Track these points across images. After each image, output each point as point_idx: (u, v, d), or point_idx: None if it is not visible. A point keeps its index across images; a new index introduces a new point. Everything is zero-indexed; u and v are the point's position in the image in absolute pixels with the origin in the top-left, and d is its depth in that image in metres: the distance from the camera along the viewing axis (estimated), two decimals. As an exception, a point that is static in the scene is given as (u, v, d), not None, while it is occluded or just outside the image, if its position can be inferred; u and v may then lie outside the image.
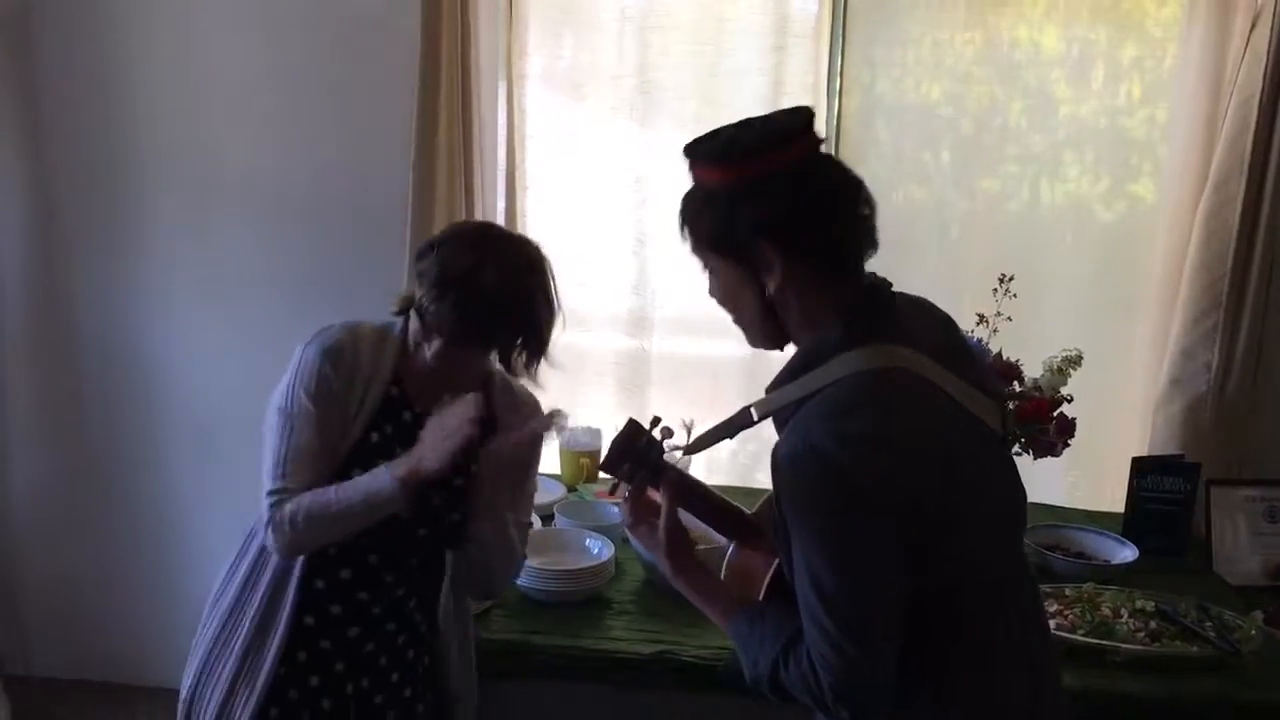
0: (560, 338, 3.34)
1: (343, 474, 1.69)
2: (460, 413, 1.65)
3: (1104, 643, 2.11)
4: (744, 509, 1.69)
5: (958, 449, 1.39)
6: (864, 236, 1.42)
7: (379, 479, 1.65)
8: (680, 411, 3.07)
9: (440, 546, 1.87)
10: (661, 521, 1.53)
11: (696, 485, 1.68)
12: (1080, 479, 3.10)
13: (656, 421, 1.56)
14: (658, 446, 1.54)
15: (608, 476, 1.57)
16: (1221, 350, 2.81)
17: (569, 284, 3.16)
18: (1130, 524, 2.71)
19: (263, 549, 1.77)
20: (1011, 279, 2.54)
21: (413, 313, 1.74)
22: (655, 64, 3.07)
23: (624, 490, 1.59)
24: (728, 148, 1.39)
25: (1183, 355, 2.86)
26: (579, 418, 3.11)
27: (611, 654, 2.12)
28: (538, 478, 1.97)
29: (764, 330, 1.47)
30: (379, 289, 3.04)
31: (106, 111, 3.21)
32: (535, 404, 1.91)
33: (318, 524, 1.65)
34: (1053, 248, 3.06)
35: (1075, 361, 2.58)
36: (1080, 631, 2.14)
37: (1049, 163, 3.03)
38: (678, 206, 1.48)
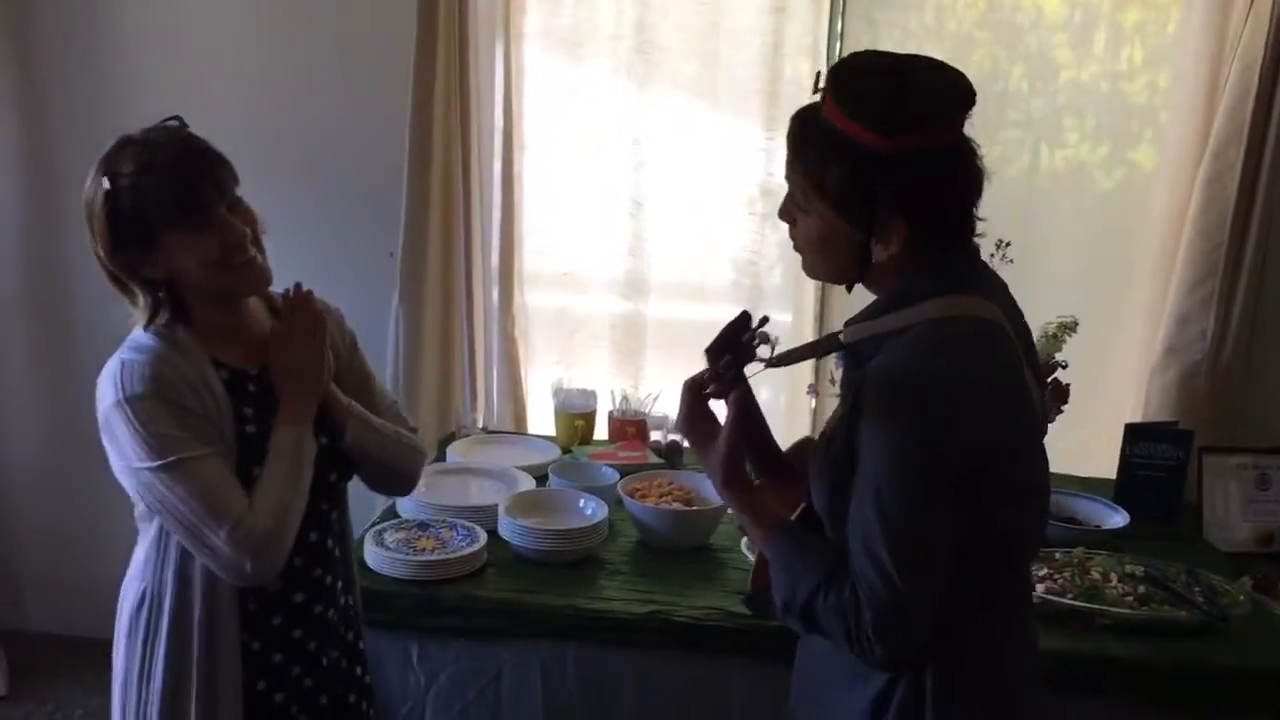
0: (556, 299, 3.33)
1: (242, 478, 1.60)
2: (291, 328, 1.66)
3: (1092, 606, 2.12)
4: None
5: (1024, 417, 1.40)
6: (972, 223, 1.45)
7: (284, 437, 1.62)
8: (675, 374, 3.09)
9: (341, 477, 1.80)
10: (725, 431, 1.49)
11: (756, 407, 1.63)
12: (1073, 445, 3.10)
13: (764, 321, 1.50)
14: (753, 349, 1.50)
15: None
16: (1217, 318, 2.81)
17: (565, 245, 3.20)
18: (1122, 490, 2.72)
19: (175, 620, 1.65)
20: (1009, 245, 2.53)
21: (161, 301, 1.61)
22: (654, 24, 3.05)
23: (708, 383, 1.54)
24: (893, 113, 1.30)
25: (1178, 322, 2.87)
26: (574, 380, 3.12)
27: (604, 613, 2.13)
28: (371, 368, 1.88)
29: (838, 276, 1.45)
30: (376, 249, 3.08)
31: (101, 73, 3.20)
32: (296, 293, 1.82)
33: (287, 512, 1.59)
34: (1051, 214, 3.05)
35: (1071, 328, 2.58)
36: (1069, 595, 2.15)
37: (1049, 128, 3.02)
38: (798, 133, 1.41)
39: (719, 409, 1.55)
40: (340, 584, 1.83)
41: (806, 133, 1.39)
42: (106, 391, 1.59)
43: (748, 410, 1.57)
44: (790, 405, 3.23)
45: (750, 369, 1.53)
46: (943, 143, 1.34)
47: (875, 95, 1.32)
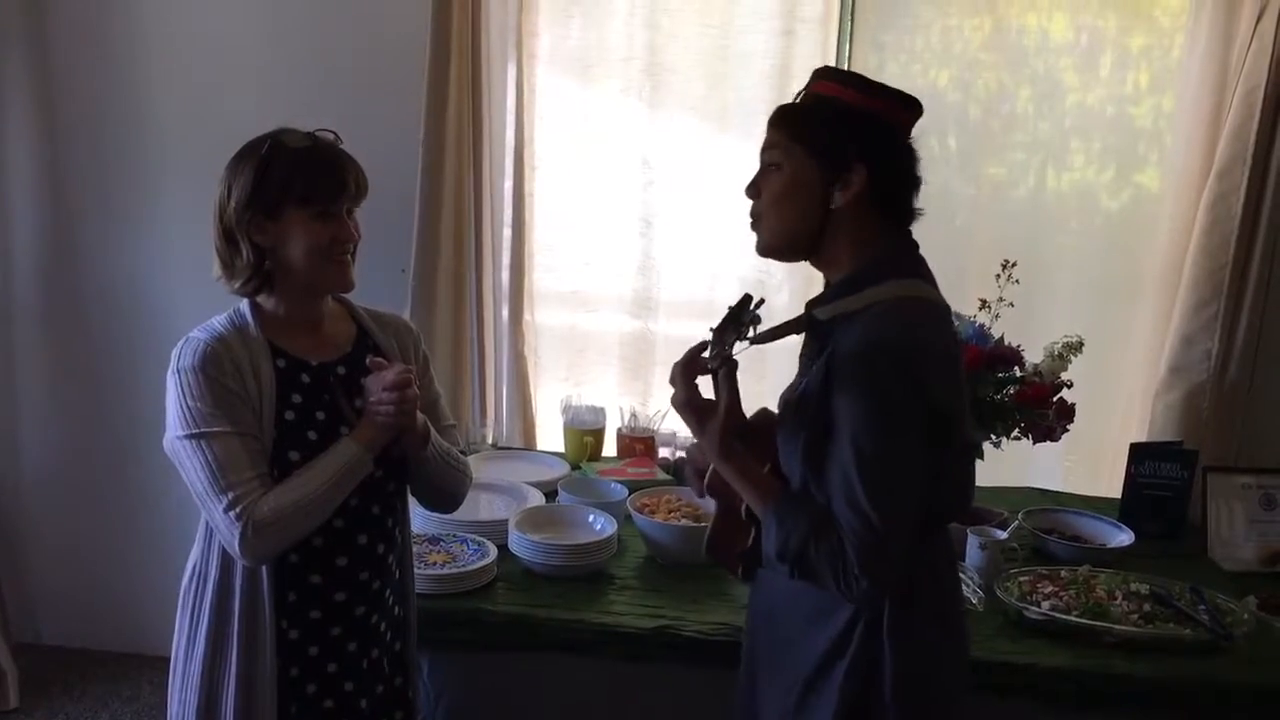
0: (565, 317, 3.35)
1: (279, 461, 1.68)
2: (392, 377, 1.70)
3: (1097, 624, 2.14)
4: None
5: (965, 384, 1.63)
6: (914, 210, 1.65)
7: (348, 450, 1.68)
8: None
9: (399, 486, 1.87)
10: (724, 406, 1.60)
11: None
12: (1078, 464, 3.13)
13: (760, 303, 1.59)
14: (748, 328, 1.59)
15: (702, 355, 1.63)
16: (1222, 338, 2.83)
17: (575, 264, 3.23)
18: (1127, 509, 2.74)
19: (219, 595, 1.73)
20: (1014, 265, 2.56)
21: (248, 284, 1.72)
22: (664, 46, 3.09)
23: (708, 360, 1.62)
24: (867, 80, 1.59)
25: (1183, 343, 2.89)
26: (583, 397, 3.14)
27: (613, 628, 2.15)
28: (438, 388, 1.97)
29: (796, 234, 1.61)
30: (388, 265, 3.10)
31: (116, 89, 3.25)
32: (394, 317, 1.96)
33: (299, 513, 1.64)
34: (1057, 235, 3.08)
35: (1076, 348, 2.60)
36: (1075, 613, 2.17)
37: (1055, 150, 3.05)
38: (782, 112, 1.63)
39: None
40: (391, 593, 1.88)
41: (790, 109, 1.62)
42: (171, 362, 1.69)
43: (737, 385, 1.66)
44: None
45: (736, 346, 1.62)
46: (897, 120, 1.58)
47: (855, 74, 1.63)
